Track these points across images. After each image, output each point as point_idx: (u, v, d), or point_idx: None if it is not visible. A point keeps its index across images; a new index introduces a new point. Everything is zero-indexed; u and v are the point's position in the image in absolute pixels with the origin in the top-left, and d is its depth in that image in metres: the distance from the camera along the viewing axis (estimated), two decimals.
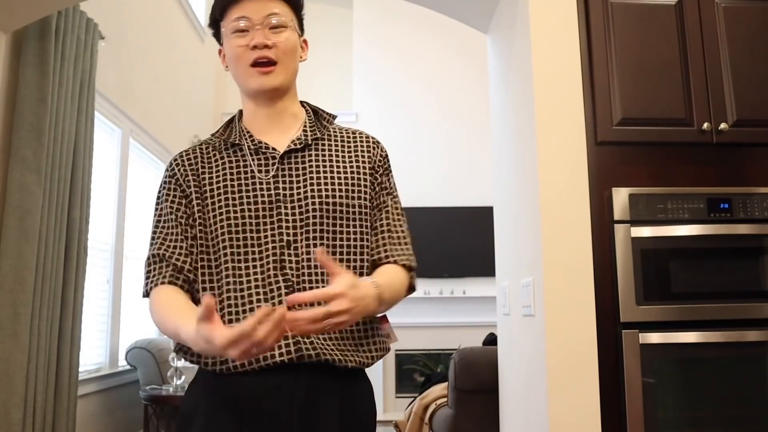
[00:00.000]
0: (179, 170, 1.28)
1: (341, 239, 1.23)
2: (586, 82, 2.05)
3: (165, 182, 1.29)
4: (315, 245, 1.20)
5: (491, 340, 3.89)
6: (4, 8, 2.58)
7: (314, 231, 1.21)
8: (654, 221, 1.96)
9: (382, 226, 1.30)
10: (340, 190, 1.25)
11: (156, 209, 1.29)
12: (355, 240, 1.25)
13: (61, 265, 3.03)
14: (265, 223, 1.20)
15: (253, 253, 1.19)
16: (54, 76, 2.96)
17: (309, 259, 1.19)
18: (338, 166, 1.28)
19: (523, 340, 2.19)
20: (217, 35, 1.30)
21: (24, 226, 2.74)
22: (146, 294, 1.23)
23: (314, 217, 1.21)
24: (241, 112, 1.35)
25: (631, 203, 1.95)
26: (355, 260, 1.24)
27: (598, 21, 2.07)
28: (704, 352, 1.92)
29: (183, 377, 3.86)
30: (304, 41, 1.33)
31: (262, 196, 1.22)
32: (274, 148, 1.26)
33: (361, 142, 1.34)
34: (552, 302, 1.92)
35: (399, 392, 6.02)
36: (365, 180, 1.29)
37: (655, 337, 1.90)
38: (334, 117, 1.37)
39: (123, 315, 4.16)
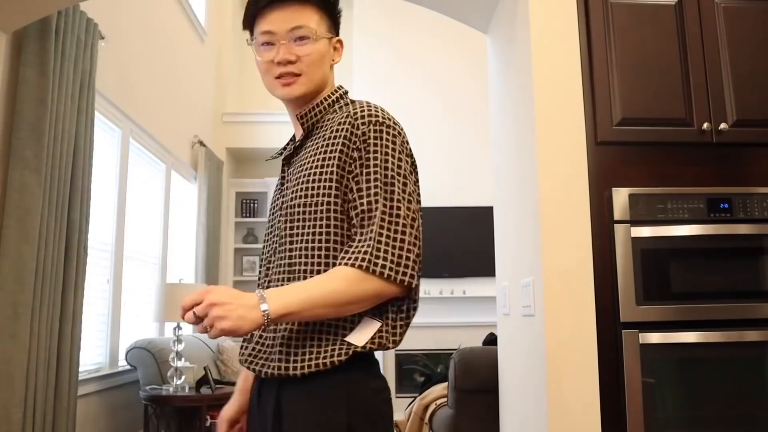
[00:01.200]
0: None
1: (298, 241, 1.19)
2: (586, 82, 2.05)
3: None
4: (281, 256, 1.23)
5: (491, 340, 3.89)
6: (4, 8, 2.58)
7: (281, 239, 1.23)
8: (654, 221, 1.96)
9: (356, 211, 1.16)
10: (304, 190, 1.19)
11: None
12: (312, 242, 1.17)
13: (61, 265, 3.03)
14: (271, 233, 1.30)
15: (268, 262, 1.30)
16: (54, 76, 2.96)
17: (278, 271, 1.24)
18: (311, 164, 1.21)
19: (522, 340, 2.19)
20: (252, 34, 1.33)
21: (24, 226, 2.74)
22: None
23: (283, 223, 1.24)
24: None
25: (631, 203, 1.95)
26: (311, 263, 1.17)
27: (598, 21, 2.07)
28: (704, 352, 1.92)
29: (183, 377, 3.86)
30: (339, 41, 1.32)
31: (274, 207, 1.31)
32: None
33: (340, 124, 1.21)
34: (552, 302, 1.92)
35: (399, 392, 6.02)
36: (330, 172, 1.17)
37: (655, 337, 1.90)
38: (347, 103, 1.28)
39: (123, 315, 4.16)
